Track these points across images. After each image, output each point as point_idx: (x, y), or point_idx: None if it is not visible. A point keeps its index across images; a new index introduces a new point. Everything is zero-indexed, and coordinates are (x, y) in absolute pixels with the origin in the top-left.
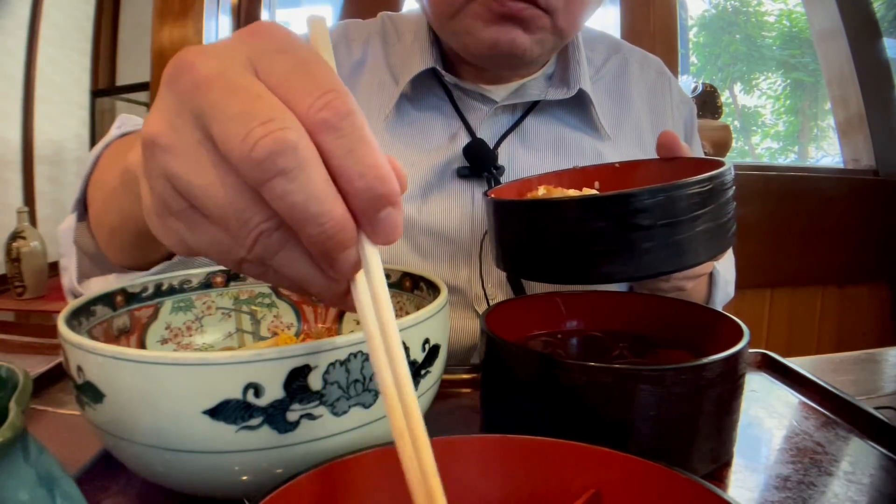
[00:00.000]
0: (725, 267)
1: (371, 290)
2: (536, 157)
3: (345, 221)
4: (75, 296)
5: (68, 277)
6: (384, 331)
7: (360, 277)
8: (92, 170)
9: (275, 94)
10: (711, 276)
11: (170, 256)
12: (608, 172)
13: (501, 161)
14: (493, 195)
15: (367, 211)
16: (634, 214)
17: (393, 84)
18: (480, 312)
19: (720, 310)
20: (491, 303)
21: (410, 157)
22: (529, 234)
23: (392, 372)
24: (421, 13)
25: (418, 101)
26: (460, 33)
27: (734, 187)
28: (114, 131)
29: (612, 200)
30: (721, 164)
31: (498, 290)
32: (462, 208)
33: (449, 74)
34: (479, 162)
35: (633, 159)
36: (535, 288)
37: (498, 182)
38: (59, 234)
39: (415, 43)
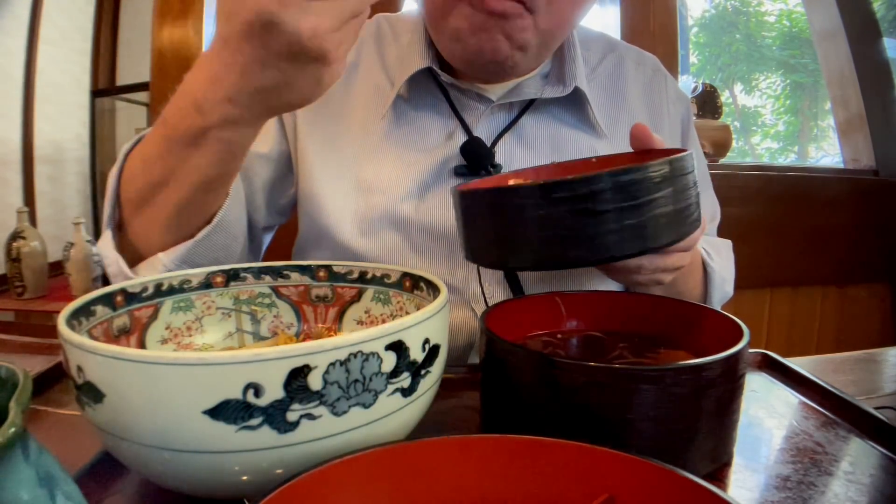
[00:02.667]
0: (722, 265)
1: None
2: (533, 156)
3: None
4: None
5: (122, 273)
6: None
7: None
8: (119, 179)
9: None
10: (707, 274)
11: (201, 228)
12: (585, 167)
13: (498, 159)
14: (461, 188)
15: None
16: (591, 197)
17: (388, 85)
18: (478, 311)
19: (720, 310)
20: (489, 301)
21: (408, 157)
22: (490, 221)
23: None
24: (419, 14)
25: (415, 101)
26: (448, 36)
27: (693, 173)
28: (133, 140)
29: (568, 184)
30: (683, 150)
31: (496, 288)
32: None
33: (445, 74)
34: (476, 160)
35: (611, 153)
36: (533, 287)
37: None
38: (100, 251)
39: (412, 43)
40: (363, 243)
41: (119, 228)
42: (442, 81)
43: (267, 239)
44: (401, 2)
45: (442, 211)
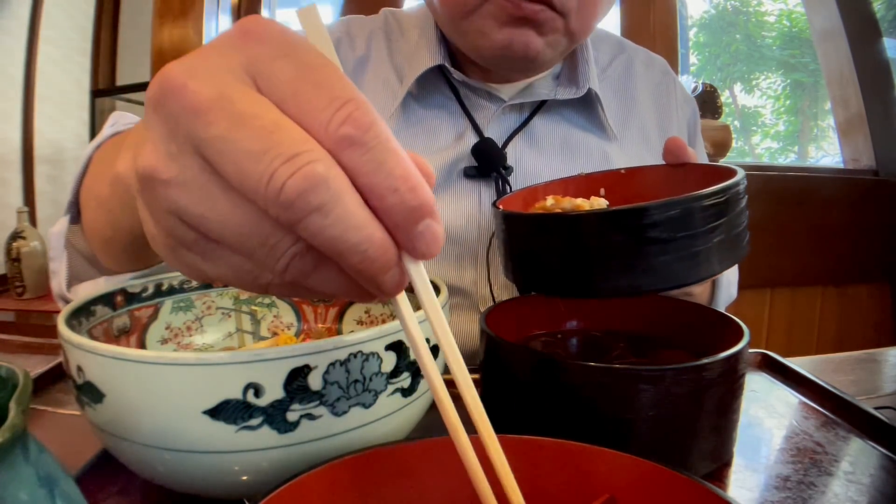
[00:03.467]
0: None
1: (423, 305)
2: (544, 158)
3: (386, 244)
4: (65, 301)
5: (57, 282)
6: (443, 341)
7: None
8: (84, 172)
9: (284, 113)
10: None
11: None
12: (614, 179)
13: (510, 161)
14: (501, 206)
15: (405, 226)
16: (650, 228)
17: (397, 82)
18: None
19: (717, 309)
20: (497, 302)
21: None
22: (543, 247)
23: (462, 377)
24: (425, 10)
25: (424, 100)
26: (472, 34)
27: (747, 196)
28: (106, 130)
29: (627, 214)
30: (733, 172)
31: (504, 292)
32: (469, 209)
33: (457, 72)
34: (487, 162)
35: (638, 165)
36: None
37: (506, 182)
38: (49, 237)
39: (421, 40)
40: None
41: (76, 219)
42: (453, 80)
43: None
44: (401, 2)
45: (451, 213)
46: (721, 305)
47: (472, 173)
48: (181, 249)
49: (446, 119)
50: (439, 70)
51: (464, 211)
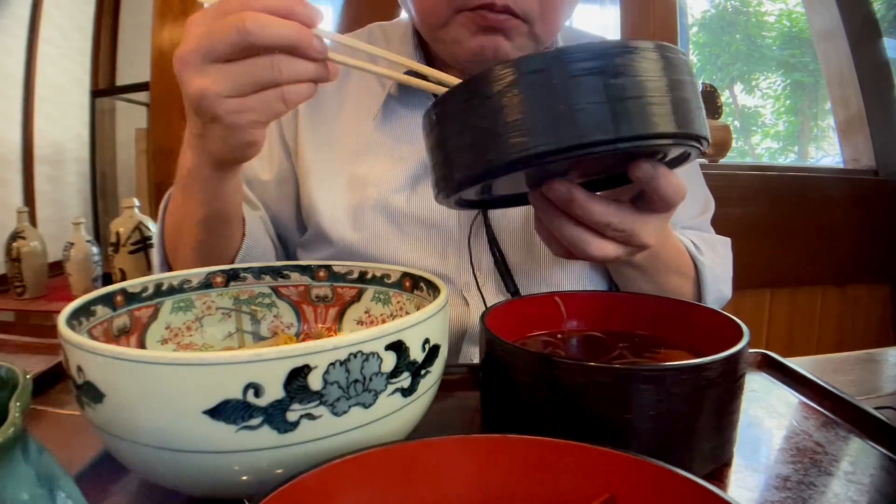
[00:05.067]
0: (715, 262)
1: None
2: None
3: (303, 29)
4: None
5: None
6: None
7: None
8: (162, 229)
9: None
10: (698, 271)
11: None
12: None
13: None
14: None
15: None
16: (538, 78)
17: (380, 87)
18: (469, 299)
19: (717, 309)
20: (482, 288)
21: (399, 152)
22: (464, 122)
23: None
24: (407, 20)
25: (405, 100)
26: (448, 42)
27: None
28: (165, 198)
29: (526, 61)
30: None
31: (487, 277)
32: None
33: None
34: None
35: None
36: (527, 281)
37: None
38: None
39: (401, 47)
40: (356, 236)
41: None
42: (430, 80)
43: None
44: (399, 11)
45: (433, 203)
46: (711, 304)
47: None
48: (236, 117)
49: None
50: (414, 75)
51: None
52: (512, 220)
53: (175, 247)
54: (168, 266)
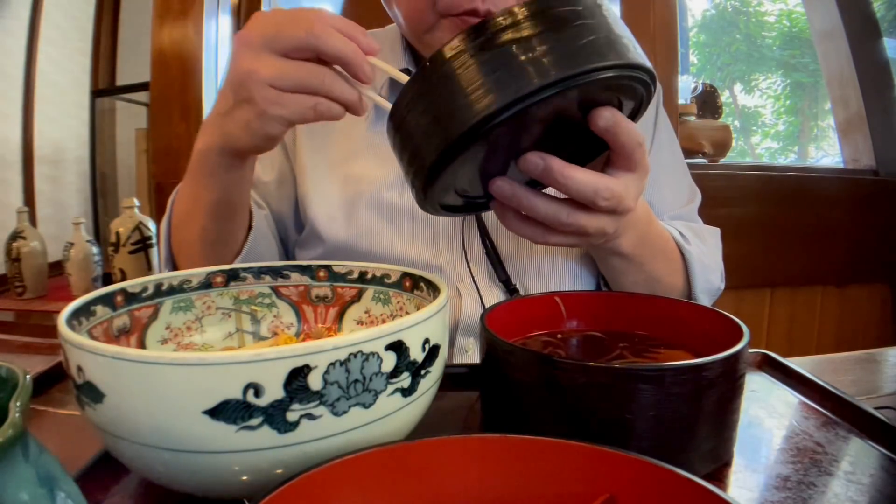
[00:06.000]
0: (703, 251)
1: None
2: None
3: (357, 50)
4: None
5: None
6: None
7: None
8: (169, 224)
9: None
10: (685, 260)
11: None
12: None
13: None
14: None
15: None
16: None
17: (372, 89)
18: (462, 290)
19: (720, 310)
20: (476, 279)
21: (390, 150)
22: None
23: None
24: (395, 26)
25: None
26: (434, 47)
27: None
28: (173, 194)
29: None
30: None
31: (479, 267)
32: None
33: None
34: None
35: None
36: (518, 270)
37: None
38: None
39: (390, 53)
40: (350, 231)
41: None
42: None
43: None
44: None
45: None
46: (700, 295)
47: None
48: (269, 106)
49: None
50: (407, 73)
51: None
52: None
53: (181, 237)
54: (172, 257)
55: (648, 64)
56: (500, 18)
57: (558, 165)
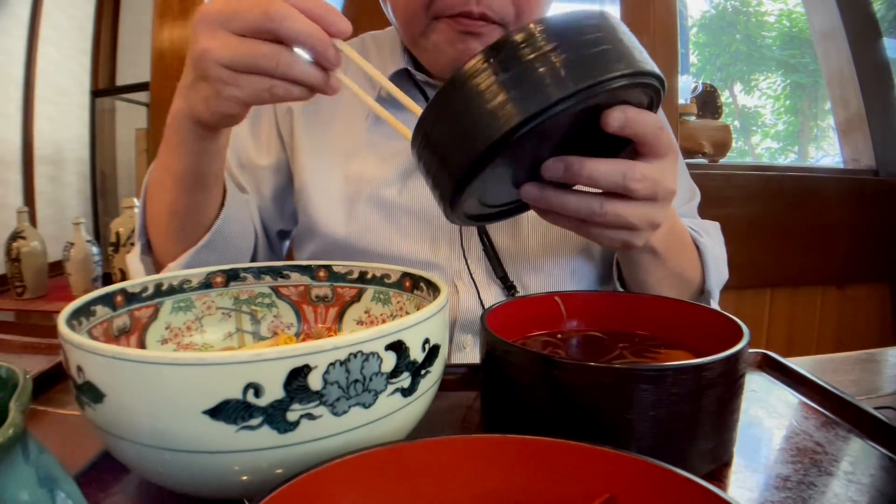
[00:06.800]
0: (713, 244)
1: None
2: None
3: (321, 32)
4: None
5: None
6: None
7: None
8: (144, 198)
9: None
10: (700, 253)
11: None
12: None
13: None
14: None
15: (324, 23)
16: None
17: (371, 90)
18: (460, 287)
19: (720, 310)
20: (473, 275)
21: (391, 148)
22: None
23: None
24: (395, 27)
25: (395, 101)
26: (429, 51)
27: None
28: (151, 167)
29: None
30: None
31: (477, 264)
32: None
33: (420, 73)
34: None
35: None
36: (515, 267)
37: None
38: (127, 263)
39: (391, 54)
40: (350, 228)
41: (149, 246)
42: (418, 81)
43: (285, 246)
44: None
45: (423, 194)
46: (714, 286)
47: None
48: (223, 87)
49: (415, 116)
50: (406, 74)
51: None
52: None
53: (153, 208)
54: (146, 229)
55: (658, 70)
56: (517, 36)
57: (577, 161)
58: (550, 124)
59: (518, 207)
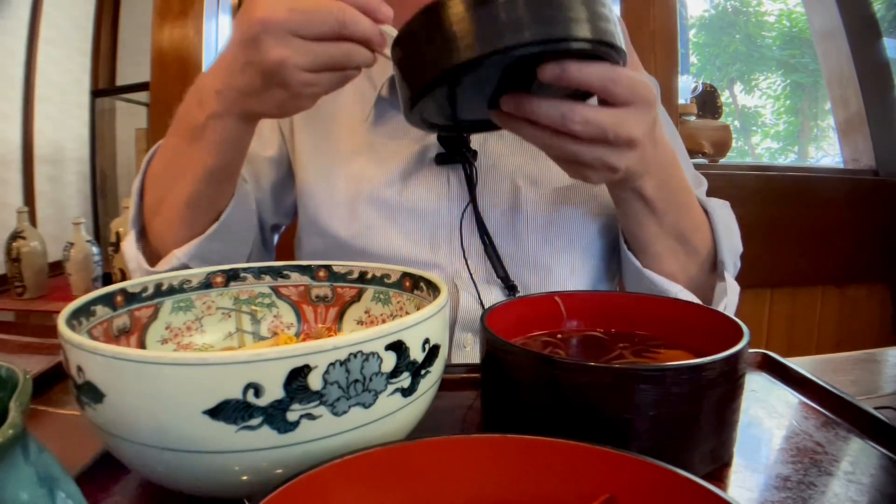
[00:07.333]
0: (723, 215)
1: None
2: (504, 142)
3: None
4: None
5: (141, 269)
6: None
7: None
8: (142, 185)
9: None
10: (708, 215)
11: (216, 218)
12: None
13: (473, 146)
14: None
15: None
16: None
17: (372, 90)
18: (459, 286)
19: (720, 310)
20: (473, 275)
21: (391, 149)
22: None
23: None
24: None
25: (396, 100)
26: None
27: None
28: (148, 154)
29: None
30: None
31: (477, 263)
32: (439, 191)
33: None
34: (453, 147)
35: None
36: (515, 266)
37: (472, 164)
38: (123, 250)
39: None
40: (351, 227)
41: (143, 233)
42: None
43: (274, 239)
44: None
45: (424, 196)
46: (727, 257)
47: (443, 160)
48: (304, 88)
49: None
50: None
51: (435, 193)
52: (499, 208)
53: (159, 196)
54: (142, 219)
55: (620, 43)
56: None
57: (526, 98)
58: (510, 63)
59: (480, 126)
